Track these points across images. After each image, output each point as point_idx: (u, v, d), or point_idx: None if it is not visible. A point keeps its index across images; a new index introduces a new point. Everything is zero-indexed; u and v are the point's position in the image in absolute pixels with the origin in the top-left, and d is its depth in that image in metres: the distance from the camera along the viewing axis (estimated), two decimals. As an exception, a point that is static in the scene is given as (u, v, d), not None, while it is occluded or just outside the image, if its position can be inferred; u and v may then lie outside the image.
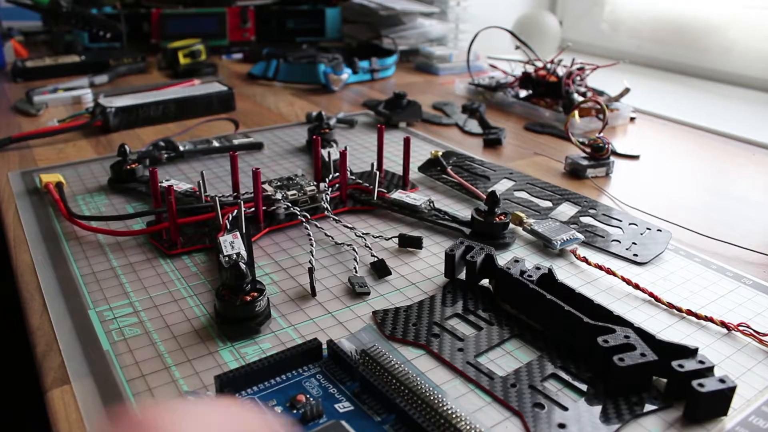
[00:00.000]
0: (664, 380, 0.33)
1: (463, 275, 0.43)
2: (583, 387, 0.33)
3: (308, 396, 0.31)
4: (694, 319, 0.40)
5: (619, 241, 0.49)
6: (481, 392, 0.33)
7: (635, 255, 0.47)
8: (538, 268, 0.40)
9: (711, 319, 0.39)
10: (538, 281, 0.39)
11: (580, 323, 0.35)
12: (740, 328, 0.38)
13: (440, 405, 0.30)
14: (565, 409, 0.32)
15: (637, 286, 0.42)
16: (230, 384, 0.31)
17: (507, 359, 0.36)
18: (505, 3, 1.34)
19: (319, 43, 1.24)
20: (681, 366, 0.32)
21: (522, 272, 0.40)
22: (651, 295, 0.42)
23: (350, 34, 1.29)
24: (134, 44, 1.19)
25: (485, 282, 0.43)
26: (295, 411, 0.30)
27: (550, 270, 0.40)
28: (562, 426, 0.30)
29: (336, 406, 0.31)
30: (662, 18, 1.19)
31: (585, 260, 0.46)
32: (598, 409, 0.32)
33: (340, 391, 0.32)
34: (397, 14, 1.18)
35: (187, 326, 0.39)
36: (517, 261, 0.41)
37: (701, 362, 0.32)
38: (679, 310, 0.40)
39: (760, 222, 0.55)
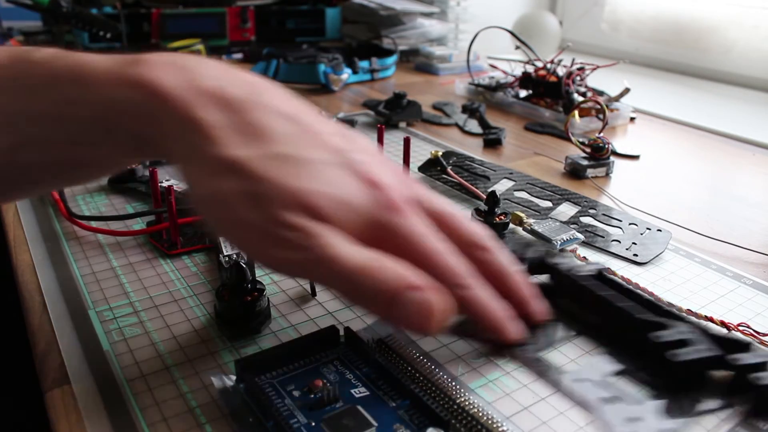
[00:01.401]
0: (723, 373, 0.34)
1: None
2: (646, 383, 0.34)
3: (325, 381, 0.32)
4: (694, 319, 0.40)
5: (619, 241, 0.49)
6: (549, 387, 0.34)
7: (635, 255, 0.47)
8: (594, 265, 0.41)
9: (711, 319, 0.39)
10: (597, 278, 0.39)
11: (636, 319, 0.35)
12: (740, 328, 0.38)
13: (455, 392, 0.30)
14: (634, 403, 0.32)
15: (637, 286, 0.42)
16: (249, 368, 0.32)
17: (569, 355, 0.37)
18: (505, 3, 1.34)
19: (319, 43, 1.24)
20: (737, 360, 0.32)
21: (576, 269, 0.40)
22: (651, 294, 0.42)
23: (350, 34, 1.29)
24: (134, 44, 1.19)
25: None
26: (312, 395, 0.31)
27: (607, 268, 0.41)
28: (632, 420, 0.31)
29: (352, 391, 0.32)
30: (662, 18, 1.19)
31: (585, 260, 0.46)
32: (662, 403, 0.32)
33: (357, 377, 0.33)
34: (397, 14, 1.18)
35: (187, 326, 0.39)
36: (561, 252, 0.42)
37: (758, 355, 0.32)
38: (680, 310, 0.40)
39: (760, 222, 0.55)
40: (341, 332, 0.35)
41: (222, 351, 0.36)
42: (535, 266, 0.40)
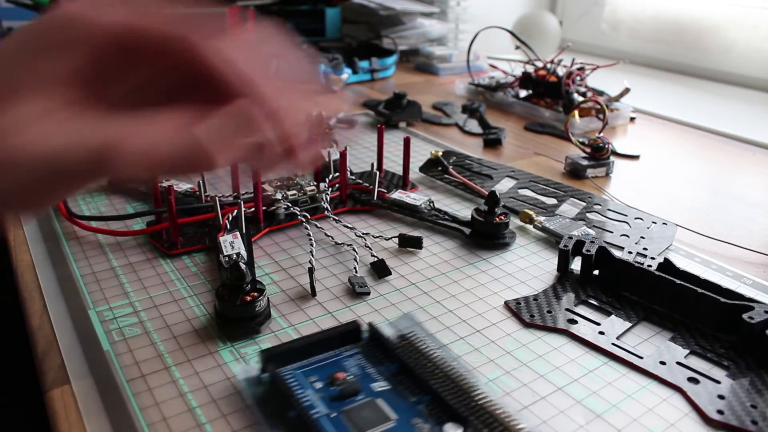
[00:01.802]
0: None
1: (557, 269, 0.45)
2: (724, 362, 0.35)
3: (347, 374, 0.33)
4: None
5: (628, 236, 0.50)
6: (635, 373, 0.35)
7: (645, 249, 0.47)
8: (653, 258, 0.44)
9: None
10: (659, 269, 0.42)
11: (715, 304, 0.37)
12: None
13: (473, 390, 0.31)
14: (718, 382, 0.34)
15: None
16: (273, 359, 0.33)
17: (642, 340, 0.38)
18: (505, 3, 1.34)
19: (319, 43, 1.24)
20: None
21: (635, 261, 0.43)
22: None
23: (350, 34, 1.29)
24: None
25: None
26: (333, 387, 0.32)
27: (667, 259, 0.43)
28: (721, 397, 0.33)
29: (372, 385, 0.32)
30: (662, 18, 1.18)
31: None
32: (746, 381, 0.34)
33: (378, 371, 0.33)
34: (397, 14, 1.18)
35: (187, 326, 0.39)
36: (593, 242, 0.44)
37: None
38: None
39: (760, 222, 0.55)
40: (364, 328, 0.36)
41: (222, 351, 0.36)
42: (595, 257, 0.43)
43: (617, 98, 0.85)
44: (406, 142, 0.57)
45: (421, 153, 0.69)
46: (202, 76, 0.25)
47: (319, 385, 0.32)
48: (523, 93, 0.91)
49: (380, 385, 0.32)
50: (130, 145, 0.23)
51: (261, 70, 0.26)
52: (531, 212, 0.51)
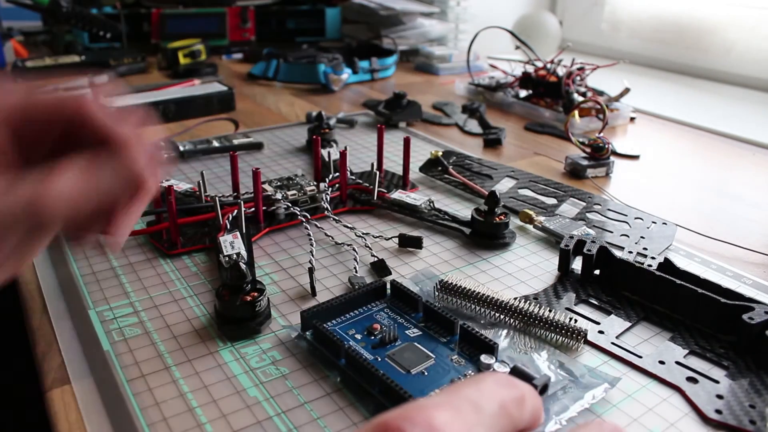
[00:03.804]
0: None
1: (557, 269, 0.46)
2: (723, 362, 0.36)
3: (382, 325, 0.36)
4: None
5: (628, 236, 0.50)
6: (635, 372, 0.35)
7: (645, 249, 0.47)
8: (653, 258, 0.44)
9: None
10: (659, 269, 0.42)
11: (715, 304, 0.37)
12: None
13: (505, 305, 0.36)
14: (717, 382, 0.34)
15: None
16: (315, 317, 0.36)
17: (642, 340, 0.38)
18: (505, 3, 1.34)
19: (319, 43, 1.24)
20: None
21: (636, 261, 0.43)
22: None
23: (350, 34, 1.29)
24: (134, 44, 1.19)
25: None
26: (372, 337, 0.36)
27: (667, 259, 0.43)
28: (720, 397, 0.33)
29: (406, 332, 0.36)
30: (662, 18, 1.18)
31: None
32: (745, 381, 0.34)
33: (408, 320, 0.37)
34: (397, 14, 1.18)
35: (187, 326, 0.39)
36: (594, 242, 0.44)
37: None
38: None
39: (760, 222, 0.55)
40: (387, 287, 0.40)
41: (222, 351, 0.36)
42: (597, 257, 0.43)
43: (617, 98, 0.85)
44: (406, 142, 0.57)
45: (421, 153, 0.69)
46: (90, 132, 0.30)
47: (358, 336, 0.36)
48: (523, 93, 0.91)
49: (412, 332, 0.36)
50: (52, 190, 0.27)
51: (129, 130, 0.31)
52: (531, 212, 0.51)
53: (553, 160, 0.69)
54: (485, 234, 0.49)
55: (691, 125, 0.84)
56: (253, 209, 0.51)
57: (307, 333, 0.36)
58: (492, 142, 0.74)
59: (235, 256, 0.42)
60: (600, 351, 0.37)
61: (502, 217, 0.49)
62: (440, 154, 0.62)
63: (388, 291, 0.40)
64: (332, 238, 0.49)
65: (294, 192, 0.53)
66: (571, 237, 0.45)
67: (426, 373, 0.33)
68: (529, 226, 0.52)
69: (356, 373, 0.33)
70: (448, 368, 0.33)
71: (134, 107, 0.33)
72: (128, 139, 0.30)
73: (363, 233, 0.49)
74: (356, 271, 0.45)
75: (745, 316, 0.36)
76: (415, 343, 0.35)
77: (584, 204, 0.56)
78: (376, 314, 0.38)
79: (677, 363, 0.35)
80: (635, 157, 0.71)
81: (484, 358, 0.33)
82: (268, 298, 0.39)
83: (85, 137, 0.30)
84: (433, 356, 0.34)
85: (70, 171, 0.28)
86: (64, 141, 0.31)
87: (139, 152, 0.30)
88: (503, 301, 0.38)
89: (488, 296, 0.38)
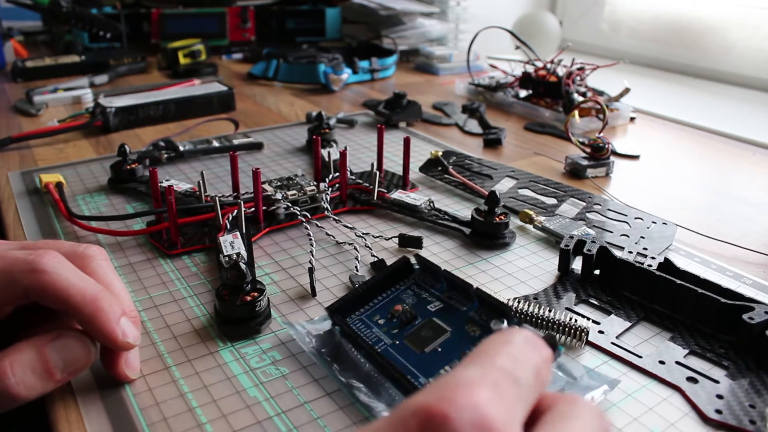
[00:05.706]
0: None
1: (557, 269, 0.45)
2: (723, 362, 0.36)
3: (404, 305, 0.36)
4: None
5: (628, 236, 0.50)
6: (635, 372, 0.35)
7: (645, 249, 0.47)
8: (653, 258, 0.44)
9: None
10: (659, 269, 0.42)
11: (715, 304, 0.37)
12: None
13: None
14: (717, 382, 0.34)
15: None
16: (339, 311, 0.36)
17: (642, 340, 0.38)
18: (505, 3, 1.34)
19: (319, 43, 1.24)
20: None
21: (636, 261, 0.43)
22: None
23: (350, 34, 1.29)
24: (134, 44, 1.19)
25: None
26: (394, 320, 0.35)
27: (667, 259, 0.43)
28: (720, 397, 0.33)
29: (428, 307, 0.36)
30: (662, 18, 1.18)
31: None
32: (745, 381, 0.34)
33: (431, 294, 0.37)
34: (397, 14, 1.18)
35: (187, 326, 0.39)
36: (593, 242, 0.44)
37: None
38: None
39: (760, 222, 0.55)
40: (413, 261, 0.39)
41: (222, 351, 0.36)
42: (597, 257, 0.43)
43: (617, 98, 0.85)
44: (406, 142, 0.57)
45: (421, 153, 0.69)
46: (51, 302, 0.31)
47: (381, 321, 0.36)
48: (523, 93, 0.91)
49: (434, 305, 0.36)
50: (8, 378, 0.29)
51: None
52: (531, 212, 0.51)
53: (553, 160, 0.69)
54: (485, 234, 0.49)
55: (691, 125, 0.84)
56: (253, 209, 0.51)
57: (336, 328, 0.37)
58: (492, 142, 0.74)
59: (235, 256, 0.42)
60: (600, 351, 0.37)
61: (502, 217, 0.49)
62: (440, 154, 0.62)
63: (415, 266, 0.39)
64: (333, 237, 0.49)
65: (294, 192, 0.53)
66: (571, 237, 0.45)
67: (440, 349, 0.33)
68: (529, 226, 0.52)
69: (377, 368, 0.34)
70: (463, 340, 0.33)
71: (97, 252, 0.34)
72: (92, 301, 0.31)
73: (363, 233, 0.49)
74: (357, 270, 0.45)
75: (745, 316, 0.36)
76: (434, 318, 0.35)
77: (584, 204, 0.56)
78: (402, 294, 0.38)
79: (677, 363, 0.35)
80: (635, 157, 0.71)
81: (494, 324, 0.32)
82: (268, 298, 0.39)
83: (47, 303, 0.31)
84: (450, 329, 0.34)
85: (26, 353, 0.30)
86: (24, 305, 0.31)
87: (108, 309, 0.31)
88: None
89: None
